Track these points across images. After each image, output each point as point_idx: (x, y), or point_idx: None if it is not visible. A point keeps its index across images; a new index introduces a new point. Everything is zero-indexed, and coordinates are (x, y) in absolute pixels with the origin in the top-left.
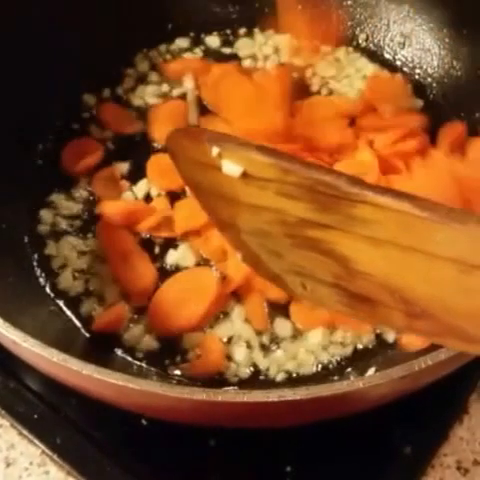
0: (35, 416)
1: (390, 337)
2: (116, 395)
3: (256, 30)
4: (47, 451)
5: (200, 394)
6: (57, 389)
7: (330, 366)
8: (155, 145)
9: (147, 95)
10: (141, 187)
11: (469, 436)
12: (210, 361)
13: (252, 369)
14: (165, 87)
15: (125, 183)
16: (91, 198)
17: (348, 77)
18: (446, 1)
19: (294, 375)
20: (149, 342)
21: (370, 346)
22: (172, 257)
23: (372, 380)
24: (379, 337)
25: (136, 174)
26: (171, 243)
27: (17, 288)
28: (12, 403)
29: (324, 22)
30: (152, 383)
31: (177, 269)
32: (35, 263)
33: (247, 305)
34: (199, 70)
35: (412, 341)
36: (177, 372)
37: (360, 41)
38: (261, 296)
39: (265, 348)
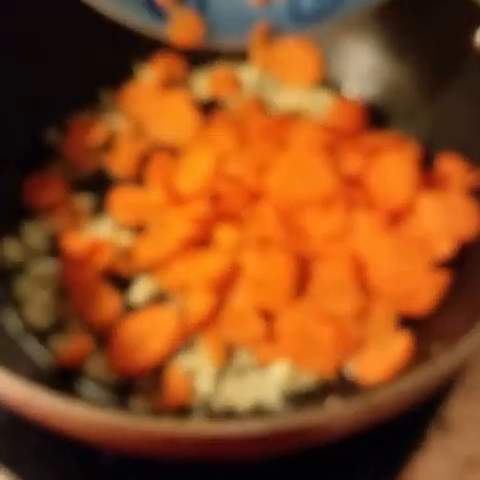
0: (1, 445)
1: (351, 370)
2: (71, 426)
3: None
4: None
5: (161, 425)
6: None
7: (294, 399)
8: (118, 177)
9: (110, 129)
10: (103, 221)
11: (428, 466)
12: (173, 394)
13: (216, 400)
14: (128, 119)
15: (87, 217)
16: (53, 232)
17: (308, 110)
18: (409, 34)
19: (258, 407)
20: (112, 375)
21: (332, 379)
22: (134, 291)
23: (333, 412)
24: (341, 371)
25: (98, 208)
26: (133, 276)
27: None
28: None
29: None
30: (92, 411)
31: (139, 303)
32: None
33: (208, 339)
34: None
35: (373, 375)
36: (140, 405)
37: (323, 75)
38: (221, 331)
39: (228, 380)
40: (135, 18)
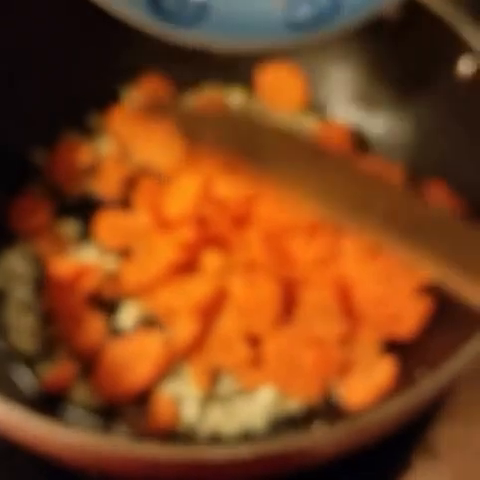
0: None
1: (336, 395)
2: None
3: None
4: None
5: (145, 449)
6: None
7: (279, 424)
8: (104, 201)
9: (96, 152)
10: (89, 245)
11: None
12: (161, 419)
13: (203, 426)
14: (114, 142)
15: (72, 241)
16: (38, 256)
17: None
18: (394, 61)
19: (244, 432)
20: (98, 400)
21: (318, 404)
22: (120, 316)
23: (318, 435)
24: (328, 396)
25: (84, 232)
26: (119, 301)
27: None
28: None
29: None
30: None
31: (125, 328)
32: None
33: (194, 364)
34: None
35: (358, 399)
36: (126, 431)
37: (308, 101)
38: (207, 356)
39: (214, 406)
40: (139, 16)
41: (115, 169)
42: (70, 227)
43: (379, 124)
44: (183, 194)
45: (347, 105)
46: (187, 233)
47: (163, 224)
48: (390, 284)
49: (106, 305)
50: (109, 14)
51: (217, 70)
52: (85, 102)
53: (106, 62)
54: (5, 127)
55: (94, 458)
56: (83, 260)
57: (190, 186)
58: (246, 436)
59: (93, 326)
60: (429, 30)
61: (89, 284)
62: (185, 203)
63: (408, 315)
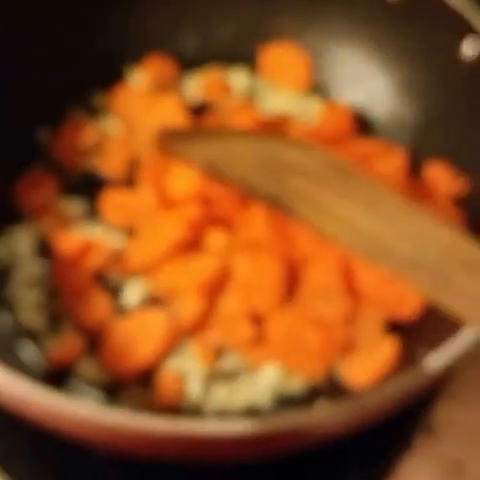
0: None
1: (339, 374)
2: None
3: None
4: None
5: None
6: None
7: (283, 402)
8: (109, 179)
9: (101, 131)
10: (93, 223)
11: (414, 470)
12: (166, 395)
13: (207, 402)
14: (119, 121)
15: (77, 219)
16: (43, 234)
17: (298, 115)
18: (398, 44)
19: (248, 409)
20: (104, 376)
21: (321, 382)
22: (125, 293)
23: (322, 413)
24: (331, 375)
25: (89, 210)
26: (124, 280)
27: None
28: None
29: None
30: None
31: (130, 306)
32: None
33: (198, 342)
34: None
35: (361, 378)
36: (131, 407)
37: (312, 82)
38: (211, 334)
39: (220, 382)
40: None
41: (120, 148)
42: (75, 205)
43: (383, 106)
44: (188, 173)
45: (351, 86)
46: (191, 212)
47: (167, 203)
48: None
49: (111, 283)
50: None
51: (220, 50)
52: (90, 82)
53: (111, 42)
54: (10, 106)
55: (101, 432)
56: (88, 237)
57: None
58: (250, 413)
59: (99, 303)
60: (433, 11)
61: (94, 260)
62: (190, 182)
63: (411, 296)
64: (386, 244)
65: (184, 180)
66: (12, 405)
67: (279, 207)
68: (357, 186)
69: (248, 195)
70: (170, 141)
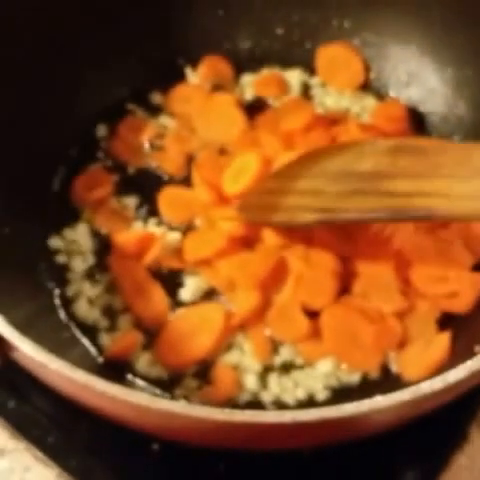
0: (49, 439)
1: (394, 367)
2: (136, 415)
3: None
4: (62, 473)
5: (218, 414)
6: (71, 413)
7: (338, 394)
8: (166, 178)
9: (159, 128)
10: (152, 219)
11: (469, 464)
12: (222, 389)
13: (263, 395)
14: (177, 120)
15: (134, 215)
16: (102, 229)
17: (354, 112)
18: (451, 42)
19: (304, 401)
20: (160, 370)
21: (375, 376)
22: (182, 288)
23: (380, 403)
24: (384, 368)
25: (147, 206)
26: (181, 274)
27: (34, 315)
28: (27, 427)
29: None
30: (172, 403)
31: (187, 299)
32: (51, 291)
33: (254, 336)
34: None
35: (416, 372)
36: (188, 399)
37: (368, 80)
38: (268, 327)
39: (274, 376)
40: None
41: (177, 145)
42: (133, 201)
43: (437, 103)
44: (243, 171)
45: (405, 84)
46: None
47: (222, 199)
48: (448, 261)
49: (169, 278)
50: None
51: (276, 50)
52: (149, 81)
53: (171, 43)
54: (72, 104)
55: (167, 423)
56: (147, 232)
57: (250, 164)
58: (308, 404)
59: (157, 297)
60: None
61: (152, 255)
62: (245, 181)
63: (465, 291)
64: None
65: (239, 178)
66: (72, 396)
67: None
68: (438, 153)
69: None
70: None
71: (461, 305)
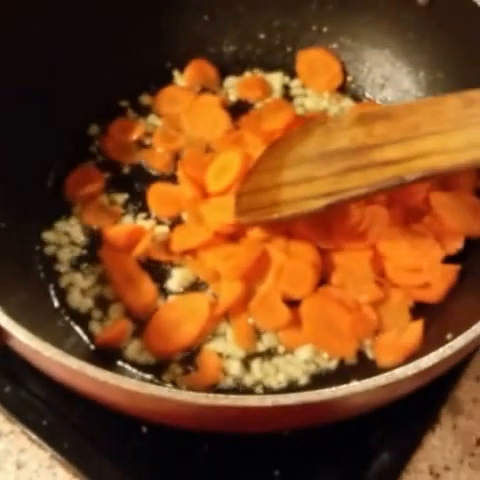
0: (44, 422)
1: (370, 354)
2: (126, 400)
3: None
4: (55, 455)
5: (203, 399)
6: (64, 398)
7: (317, 379)
8: (154, 174)
9: (149, 128)
10: (141, 214)
11: (440, 444)
12: (207, 374)
13: (246, 381)
14: (165, 120)
15: (122, 211)
16: (92, 223)
17: (332, 113)
18: (423, 47)
19: (285, 386)
20: (148, 356)
21: (352, 362)
22: (170, 279)
23: (357, 388)
24: (360, 355)
25: (136, 201)
26: (169, 266)
27: (30, 305)
28: (23, 411)
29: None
30: (160, 388)
31: (174, 290)
32: (45, 282)
33: (235, 325)
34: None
35: (390, 358)
36: (175, 384)
37: (345, 82)
38: (251, 316)
39: (257, 362)
40: None
41: (164, 144)
42: (122, 197)
43: None
44: (226, 171)
45: (380, 86)
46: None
47: (206, 197)
48: (421, 253)
49: (157, 269)
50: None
51: (259, 55)
52: (140, 84)
53: (159, 47)
54: (67, 105)
55: (157, 407)
56: (136, 226)
57: (233, 163)
58: (289, 389)
59: (145, 288)
60: (458, 12)
61: (142, 248)
62: (228, 179)
63: (437, 282)
64: None
65: (222, 177)
66: (65, 381)
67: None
68: (409, 114)
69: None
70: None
71: (433, 295)
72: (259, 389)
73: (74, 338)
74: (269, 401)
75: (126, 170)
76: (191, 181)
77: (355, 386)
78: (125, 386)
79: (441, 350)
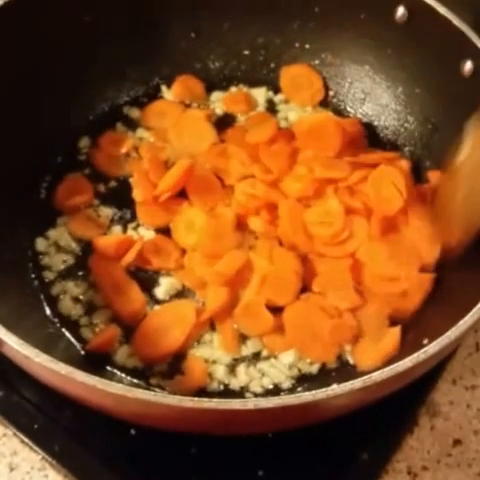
0: (35, 426)
1: (350, 359)
2: (114, 404)
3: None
4: (46, 457)
5: (187, 402)
6: (55, 401)
7: (300, 382)
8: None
9: (137, 141)
10: (131, 224)
11: (418, 445)
12: (194, 379)
13: (231, 385)
14: (153, 133)
15: (113, 220)
16: (81, 232)
17: None
18: (401, 63)
19: (269, 390)
20: (136, 361)
21: (333, 366)
22: (157, 286)
23: (335, 391)
24: (341, 359)
25: (125, 211)
26: (156, 274)
27: (22, 312)
28: (14, 414)
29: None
30: (146, 393)
31: (161, 297)
32: (37, 290)
33: (221, 331)
34: None
35: (369, 362)
36: (162, 388)
37: (327, 97)
38: (236, 322)
39: (242, 366)
40: None
41: (151, 155)
42: (110, 209)
43: (390, 119)
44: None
45: (360, 101)
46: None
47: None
48: (398, 264)
49: (145, 278)
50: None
51: (243, 72)
52: (129, 98)
53: (147, 63)
54: (59, 119)
55: (144, 411)
56: (126, 236)
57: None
58: (273, 392)
59: (134, 295)
60: (435, 31)
61: (130, 257)
62: (170, 182)
63: (413, 291)
64: None
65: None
66: (56, 386)
67: None
68: None
69: None
70: None
71: (410, 304)
72: (244, 393)
73: (65, 344)
74: (251, 404)
75: (115, 182)
76: (142, 185)
77: (334, 389)
78: (113, 391)
79: (416, 355)
